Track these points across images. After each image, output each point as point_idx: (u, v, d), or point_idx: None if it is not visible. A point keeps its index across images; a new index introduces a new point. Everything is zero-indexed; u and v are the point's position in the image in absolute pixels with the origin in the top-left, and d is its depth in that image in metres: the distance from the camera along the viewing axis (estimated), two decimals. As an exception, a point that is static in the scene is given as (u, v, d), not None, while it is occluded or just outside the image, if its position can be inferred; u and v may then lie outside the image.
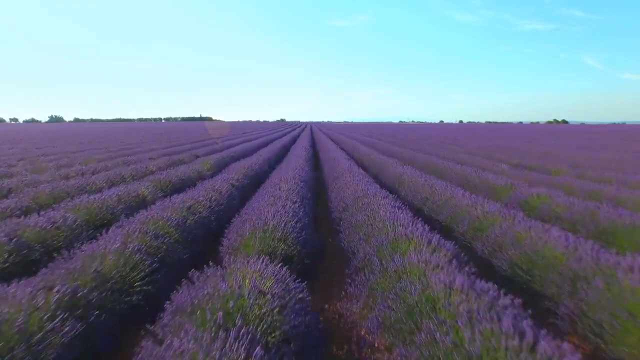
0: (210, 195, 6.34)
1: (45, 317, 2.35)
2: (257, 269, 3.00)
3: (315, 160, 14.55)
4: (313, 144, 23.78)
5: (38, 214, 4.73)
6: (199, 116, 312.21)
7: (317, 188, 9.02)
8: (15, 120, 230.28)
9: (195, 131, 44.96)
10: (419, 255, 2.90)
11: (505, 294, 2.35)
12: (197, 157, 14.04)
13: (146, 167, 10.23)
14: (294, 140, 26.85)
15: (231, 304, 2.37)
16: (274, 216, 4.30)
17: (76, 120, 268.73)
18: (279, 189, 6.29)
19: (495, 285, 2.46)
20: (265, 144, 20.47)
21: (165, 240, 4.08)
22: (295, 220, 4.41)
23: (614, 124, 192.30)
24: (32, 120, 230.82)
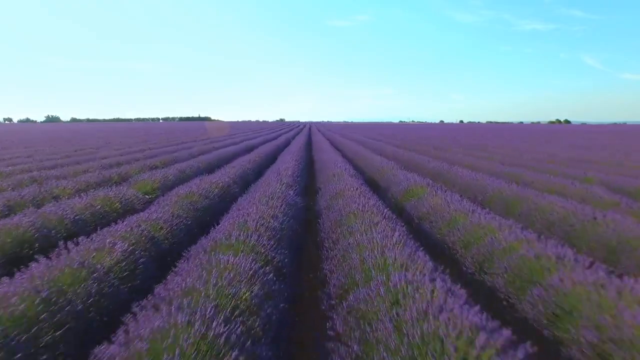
0: (73, 276, 2.85)
1: None
2: None
3: (309, 174, 11.05)
4: (309, 148, 20.28)
5: None
6: (197, 116, 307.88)
7: (306, 237, 5.44)
8: (10, 120, 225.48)
9: (182, 132, 41.43)
10: None
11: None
12: (154, 168, 10.54)
13: (49, 192, 6.69)
14: (288, 143, 23.36)
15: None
16: None
17: (73, 120, 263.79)
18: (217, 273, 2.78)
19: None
20: (251, 149, 16.94)
21: None
22: None
23: (614, 124, 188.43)
24: (27, 120, 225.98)
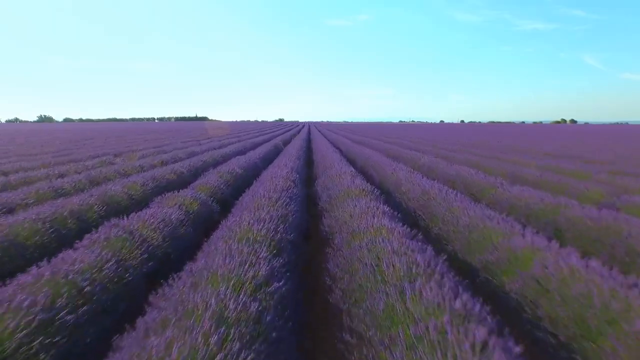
0: None
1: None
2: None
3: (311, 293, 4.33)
4: (309, 162, 13.58)
5: None
6: (194, 116, 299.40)
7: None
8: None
9: (149, 134, 34.84)
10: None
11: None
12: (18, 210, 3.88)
13: None
14: (278, 152, 16.67)
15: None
16: None
17: (66, 120, 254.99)
18: None
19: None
20: (203, 170, 10.18)
21: None
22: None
23: (616, 124, 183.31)
24: (16, 120, 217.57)
